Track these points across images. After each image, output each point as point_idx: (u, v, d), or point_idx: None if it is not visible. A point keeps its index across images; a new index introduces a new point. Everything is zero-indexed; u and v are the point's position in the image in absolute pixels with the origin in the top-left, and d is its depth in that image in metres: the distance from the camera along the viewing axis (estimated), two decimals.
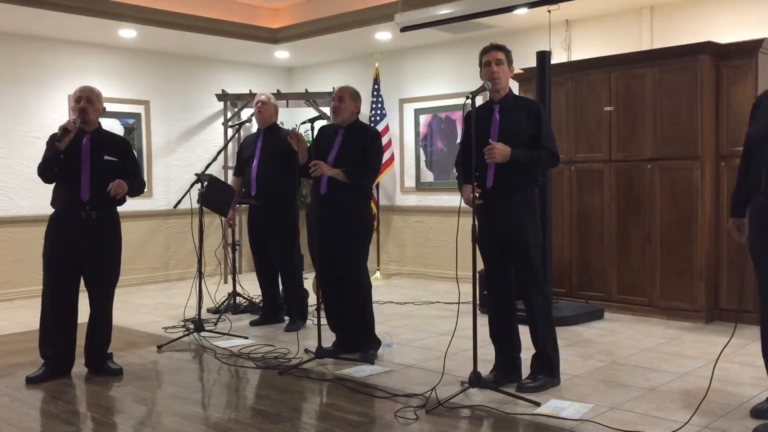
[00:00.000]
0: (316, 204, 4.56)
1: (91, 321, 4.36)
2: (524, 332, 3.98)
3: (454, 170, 4.77)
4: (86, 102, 4.25)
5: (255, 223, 5.73)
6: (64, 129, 4.08)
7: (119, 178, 4.21)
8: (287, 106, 8.82)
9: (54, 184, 4.29)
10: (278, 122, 5.94)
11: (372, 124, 8.02)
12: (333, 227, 4.50)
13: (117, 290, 4.44)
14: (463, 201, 3.92)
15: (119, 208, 4.42)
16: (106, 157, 4.27)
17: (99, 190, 4.17)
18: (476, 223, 3.72)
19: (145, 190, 8.10)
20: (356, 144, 4.56)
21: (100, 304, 4.35)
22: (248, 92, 8.72)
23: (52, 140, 4.22)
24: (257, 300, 6.35)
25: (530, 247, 3.86)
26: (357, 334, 4.64)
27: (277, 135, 5.67)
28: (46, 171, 4.16)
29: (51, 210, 4.31)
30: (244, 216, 5.86)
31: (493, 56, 3.92)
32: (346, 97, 4.62)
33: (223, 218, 6.53)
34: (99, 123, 4.39)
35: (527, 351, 4.01)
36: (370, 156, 4.57)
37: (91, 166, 4.21)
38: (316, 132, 4.87)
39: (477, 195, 3.78)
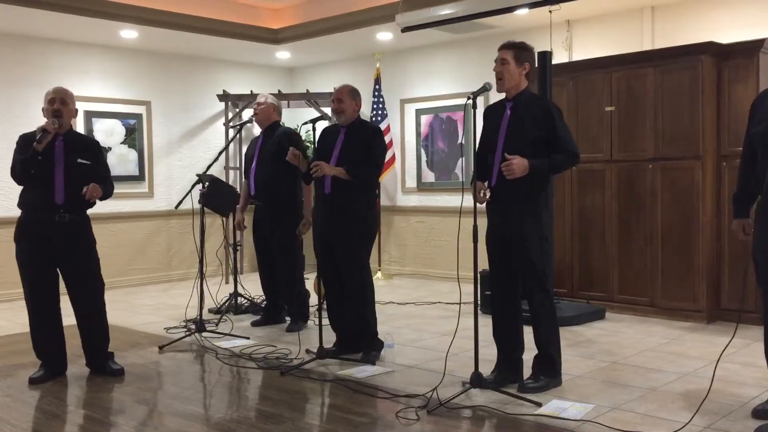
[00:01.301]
0: (320, 203, 4.57)
1: (81, 324, 4.34)
2: (528, 332, 3.98)
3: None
4: (60, 103, 4.18)
5: (257, 223, 5.74)
6: (43, 130, 4.02)
7: (91, 180, 4.17)
8: (288, 107, 8.82)
9: (22, 187, 4.22)
10: (281, 122, 5.89)
11: None
12: (336, 226, 4.50)
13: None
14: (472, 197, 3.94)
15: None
16: (79, 160, 4.21)
17: (73, 193, 4.14)
18: (477, 223, 3.71)
19: (146, 190, 8.23)
20: (358, 141, 4.56)
21: (88, 307, 4.31)
22: (249, 93, 8.73)
23: (23, 141, 4.16)
24: (258, 300, 6.35)
25: (532, 247, 3.85)
26: (358, 334, 4.64)
27: (276, 134, 5.65)
28: (22, 173, 4.07)
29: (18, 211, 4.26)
30: (250, 216, 5.87)
31: (500, 55, 3.89)
32: (344, 96, 4.63)
33: (224, 219, 6.55)
34: (71, 125, 4.35)
35: (529, 351, 4.01)
36: (373, 152, 4.55)
37: (65, 168, 4.16)
38: (318, 132, 4.87)
39: (483, 193, 3.85)
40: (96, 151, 4.39)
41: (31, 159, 4.02)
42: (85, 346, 4.39)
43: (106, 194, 4.32)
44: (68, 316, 4.35)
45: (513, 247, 3.89)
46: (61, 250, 4.18)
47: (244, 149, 9.01)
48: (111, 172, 4.52)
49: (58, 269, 4.26)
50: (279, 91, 8.83)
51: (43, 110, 4.22)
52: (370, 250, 4.67)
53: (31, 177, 4.10)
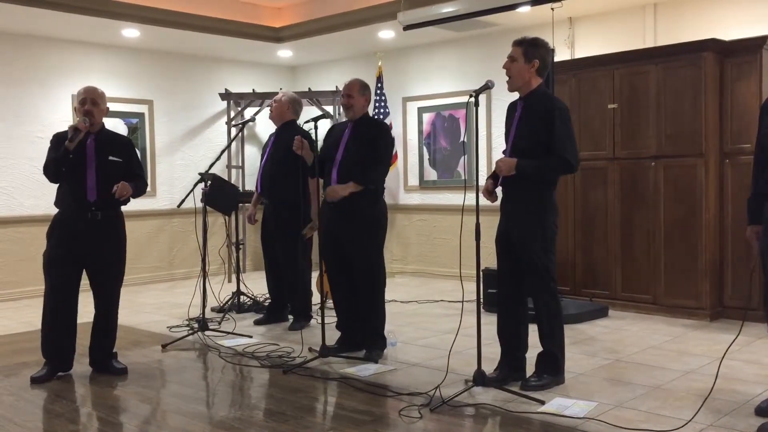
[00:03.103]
0: (326, 200, 4.61)
1: (96, 321, 4.37)
2: (533, 330, 3.97)
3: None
4: (91, 104, 4.25)
5: (265, 221, 5.76)
6: (75, 129, 4.08)
7: (123, 178, 4.22)
8: None
9: (58, 185, 4.29)
10: (297, 121, 5.79)
11: None
12: (342, 222, 4.50)
13: (121, 289, 4.45)
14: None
15: (123, 208, 4.43)
16: (110, 158, 4.27)
17: (105, 191, 4.18)
18: (479, 221, 3.71)
19: (149, 189, 8.23)
20: (363, 136, 4.56)
21: (106, 304, 4.35)
22: (251, 91, 8.73)
23: (56, 140, 4.22)
24: (261, 299, 6.35)
25: (533, 246, 3.83)
26: (364, 331, 4.62)
27: (289, 133, 5.63)
28: (54, 171, 4.15)
29: (54, 210, 4.31)
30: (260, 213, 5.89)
31: (511, 52, 3.88)
32: (354, 92, 4.64)
33: (226, 217, 6.55)
34: (102, 123, 4.40)
35: (533, 349, 4.00)
36: (379, 150, 4.53)
37: (97, 166, 4.22)
38: (320, 131, 4.87)
39: (491, 190, 3.90)
40: (128, 149, 4.45)
41: (63, 157, 4.08)
42: (93, 345, 4.40)
43: (139, 192, 4.36)
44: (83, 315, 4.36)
45: (517, 246, 3.89)
46: (91, 248, 4.21)
47: (247, 148, 9.06)
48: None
49: (84, 268, 4.28)
50: (281, 89, 8.82)
51: (74, 110, 4.27)
52: (379, 244, 4.60)
53: (64, 175, 4.16)
